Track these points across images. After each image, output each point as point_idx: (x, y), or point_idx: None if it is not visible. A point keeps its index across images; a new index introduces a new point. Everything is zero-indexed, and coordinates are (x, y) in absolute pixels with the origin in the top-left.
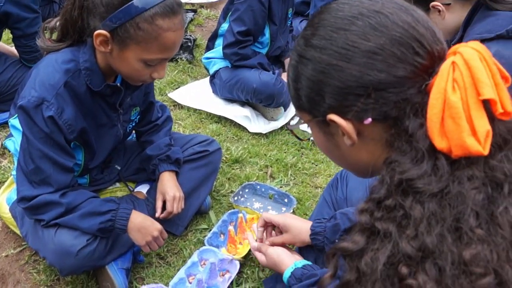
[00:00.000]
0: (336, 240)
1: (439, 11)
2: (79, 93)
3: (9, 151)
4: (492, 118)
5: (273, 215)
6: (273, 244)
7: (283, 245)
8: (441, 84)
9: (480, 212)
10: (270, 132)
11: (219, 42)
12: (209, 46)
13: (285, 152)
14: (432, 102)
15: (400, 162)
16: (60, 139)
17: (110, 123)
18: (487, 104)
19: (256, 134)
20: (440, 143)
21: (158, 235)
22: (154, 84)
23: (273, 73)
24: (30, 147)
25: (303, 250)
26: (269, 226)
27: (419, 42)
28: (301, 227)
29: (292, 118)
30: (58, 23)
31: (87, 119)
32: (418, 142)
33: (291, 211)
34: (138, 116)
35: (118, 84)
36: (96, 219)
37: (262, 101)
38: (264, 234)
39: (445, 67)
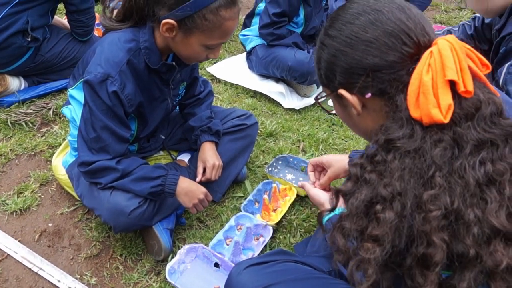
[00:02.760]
0: None
1: None
2: (138, 70)
3: (60, 118)
4: (457, 95)
5: (317, 157)
6: (322, 186)
7: (329, 182)
8: (420, 67)
9: (443, 166)
10: (303, 108)
11: (256, 21)
12: (246, 24)
13: (316, 128)
14: (412, 81)
15: (388, 127)
16: (120, 112)
17: (162, 97)
18: (453, 85)
19: (290, 109)
20: (414, 113)
21: (204, 198)
22: None
23: (308, 52)
24: (93, 117)
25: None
26: (317, 170)
27: (407, 35)
28: (340, 159)
29: (321, 92)
30: (120, 5)
31: (144, 93)
32: (401, 112)
33: None
34: (184, 90)
35: (173, 63)
36: (148, 183)
37: (297, 79)
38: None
39: (425, 55)
